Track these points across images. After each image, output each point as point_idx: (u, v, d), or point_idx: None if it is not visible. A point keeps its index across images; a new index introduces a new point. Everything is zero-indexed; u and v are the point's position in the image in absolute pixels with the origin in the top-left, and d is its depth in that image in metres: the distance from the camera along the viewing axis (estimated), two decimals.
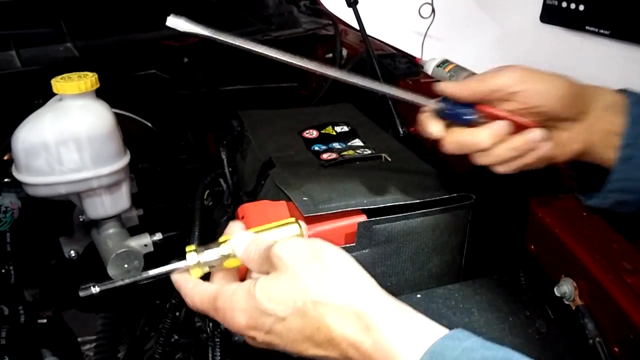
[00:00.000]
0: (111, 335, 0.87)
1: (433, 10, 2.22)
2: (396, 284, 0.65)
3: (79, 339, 0.93)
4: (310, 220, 0.61)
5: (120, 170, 0.72)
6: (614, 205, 0.55)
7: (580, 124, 0.51)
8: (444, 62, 0.96)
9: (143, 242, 0.78)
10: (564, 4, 1.75)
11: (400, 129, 0.87)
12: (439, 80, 0.93)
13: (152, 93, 1.00)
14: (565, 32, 1.75)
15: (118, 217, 0.77)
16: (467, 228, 0.67)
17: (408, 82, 0.93)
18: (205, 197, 0.89)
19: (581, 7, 1.71)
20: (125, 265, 0.75)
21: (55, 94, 0.69)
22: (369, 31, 0.99)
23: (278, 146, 0.79)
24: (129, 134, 0.91)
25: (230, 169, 0.87)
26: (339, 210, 0.61)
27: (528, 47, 1.85)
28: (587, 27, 1.69)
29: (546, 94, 0.50)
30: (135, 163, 0.89)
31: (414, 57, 1.07)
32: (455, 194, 0.65)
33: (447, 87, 0.54)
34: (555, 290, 0.60)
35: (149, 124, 0.94)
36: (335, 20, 1.04)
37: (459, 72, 0.94)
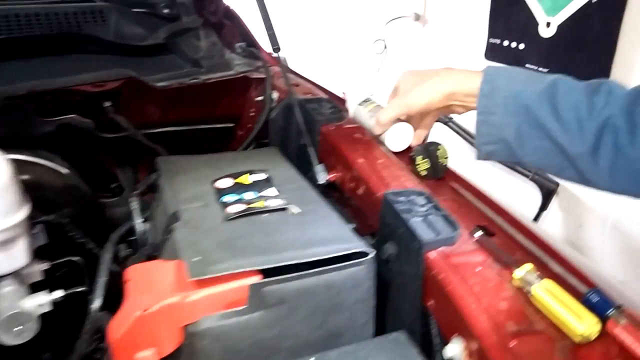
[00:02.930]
0: None
1: (385, 47, 2.27)
2: (292, 346, 0.63)
3: None
4: (199, 283, 0.59)
5: (15, 225, 0.69)
6: (489, 156, 0.70)
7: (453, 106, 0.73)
8: (365, 101, 0.90)
9: (38, 301, 0.73)
10: (506, 43, 1.80)
11: (320, 176, 0.86)
12: (358, 125, 0.94)
13: (75, 138, 0.97)
14: None
15: (15, 274, 0.73)
16: (368, 284, 0.66)
17: (330, 127, 0.93)
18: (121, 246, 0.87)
19: (521, 46, 1.76)
20: (16, 328, 0.70)
21: None
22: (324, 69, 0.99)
23: (188, 197, 0.77)
24: (41, 184, 0.88)
25: (143, 220, 0.84)
26: (231, 272, 0.59)
27: None
28: (527, 65, 1.74)
29: (425, 101, 0.73)
30: (47, 213, 0.86)
31: (343, 101, 1.08)
32: (352, 251, 0.64)
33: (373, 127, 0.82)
34: (445, 350, 0.59)
35: (66, 171, 0.91)
36: (267, 63, 1.04)
37: (379, 111, 0.92)
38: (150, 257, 0.77)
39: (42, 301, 0.72)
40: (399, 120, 0.81)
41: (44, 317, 0.73)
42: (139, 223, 0.83)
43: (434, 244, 0.65)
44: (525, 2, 1.71)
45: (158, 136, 1.11)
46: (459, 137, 1.88)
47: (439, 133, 2.00)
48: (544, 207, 1.73)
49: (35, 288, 0.75)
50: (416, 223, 0.68)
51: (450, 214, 0.69)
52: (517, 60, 1.75)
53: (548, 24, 1.66)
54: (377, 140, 0.90)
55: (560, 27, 1.62)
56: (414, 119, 0.82)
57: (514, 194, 1.84)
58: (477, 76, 0.69)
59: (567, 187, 1.69)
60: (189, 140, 1.17)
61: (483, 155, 0.71)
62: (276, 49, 0.94)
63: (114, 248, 0.82)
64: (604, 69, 1.50)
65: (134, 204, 0.83)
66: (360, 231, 0.82)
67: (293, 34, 3.19)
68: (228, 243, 0.64)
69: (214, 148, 1.20)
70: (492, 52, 1.84)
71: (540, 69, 1.69)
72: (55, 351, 0.90)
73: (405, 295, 0.69)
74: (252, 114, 1.14)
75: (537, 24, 1.68)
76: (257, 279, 0.60)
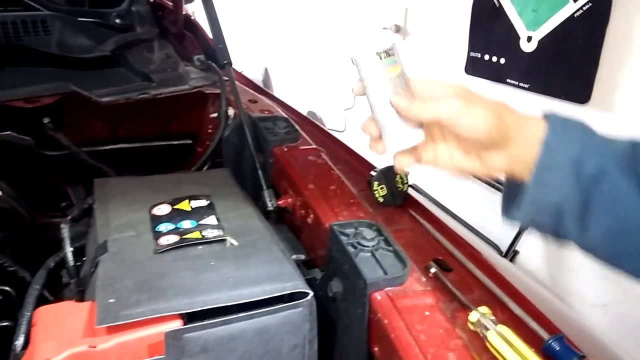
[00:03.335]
0: None
1: None
2: None
3: None
4: (111, 330, 0.53)
5: None
6: (529, 223, 0.56)
7: (504, 152, 0.54)
8: (388, 56, 0.56)
9: None
10: (486, 57, 1.76)
11: (269, 202, 0.80)
12: (313, 147, 0.88)
13: (11, 156, 0.91)
14: (488, 84, 1.75)
15: None
16: (307, 328, 0.60)
17: (284, 148, 0.87)
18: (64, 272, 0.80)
19: (502, 61, 1.72)
20: None
21: None
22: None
23: (121, 224, 0.71)
24: None
25: (76, 247, 0.78)
26: (146, 318, 0.53)
27: None
28: (508, 80, 1.70)
29: (477, 129, 0.53)
30: None
31: (304, 117, 1.03)
32: (288, 292, 0.58)
33: (399, 103, 0.55)
34: None
35: None
36: (222, 78, 0.98)
37: (401, 82, 0.58)
38: (81, 291, 0.71)
39: None
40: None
41: None
42: (69, 252, 0.77)
43: (381, 284, 0.60)
44: (506, 15, 1.67)
45: (110, 154, 1.05)
46: None
47: None
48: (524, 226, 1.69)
49: None
50: (362, 259, 0.62)
51: (401, 249, 0.64)
52: (498, 75, 1.71)
53: (529, 38, 1.62)
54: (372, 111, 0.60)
55: (541, 41, 1.59)
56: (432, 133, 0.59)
57: (493, 212, 1.79)
58: (539, 124, 0.53)
59: None
60: (145, 158, 1.11)
61: (525, 223, 0.56)
62: (226, 63, 0.89)
63: (44, 278, 0.75)
64: (586, 85, 1.47)
65: (65, 231, 0.77)
66: (313, 262, 0.77)
67: (275, 46, 3.15)
68: (150, 282, 0.58)
69: (173, 166, 1.14)
70: (473, 66, 1.80)
71: (522, 84, 1.65)
72: None
73: (351, 338, 0.63)
74: (211, 130, 1.08)
75: (518, 38, 1.65)
76: (177, 324, 0.54)
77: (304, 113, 1.13)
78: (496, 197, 1.82)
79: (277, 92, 3.13)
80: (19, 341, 0.64)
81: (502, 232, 1.74)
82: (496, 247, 1.75)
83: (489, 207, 1.81)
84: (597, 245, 0.52)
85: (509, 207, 0.56)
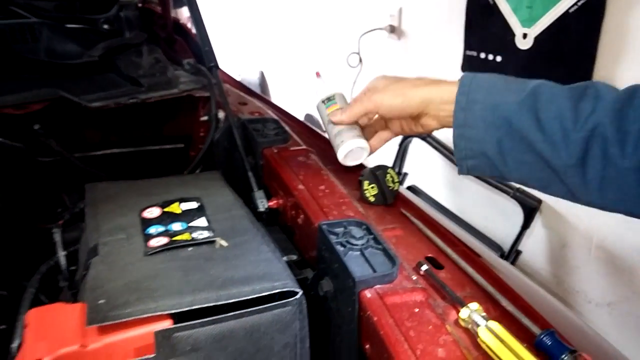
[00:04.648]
0: None
1: (360, 60, 2.26)
2: None
3: None
4: (101, 330, 0.55)
5: None
6: (470, 171, 0.68)
7: (431, 116, 0.71)
8: (329, 100, 0.85)
9: None
10: (483, 55, 1.79)
11: (259, 204, 0.82)
12: (303, 147, 0.91)
13: (4, 162, 0.94)
14: None
15: None
16: (298, 326, 0.62)
17: (274, 150, 0.89)
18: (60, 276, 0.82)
19: (498, 58, 1.75)
20: None
21: None
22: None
23: (111, 227, 0.74)
24: None
25: (69, 252, 0.80)
26: (135, 318, 0.55)
27: None
28: None
29: (394, 109, 0.72)
30: None
31: (294, 119, 1.05)
32: (278, 290, 0.60)
33: (333, 117, 0.78)
34: None
35: None
36: (211, 81, 1.01)
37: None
38: (74, 294, 0.73)
39: None
40: (366, 117, 0.78)
41: None
42: (62, 256, 0.79)
43: (370, 282, 0.61)
44: (500, 13, 1.70)
45: (103, 159, 1.07)
46: (438, 154, 1.85)
47: (418, 150, 1.98)
48: (526, 225, 1.71)
49: None
50: (351, 258, 0.64)
51: (390, 247, 0.66)
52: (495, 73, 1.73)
53: (525, 36, 1.65)
54: (331, 144, 0.82)
55: (537, 38, 1.61)
56: (377, 124, 0.80)
57: (495, 212, 1.81)
58: (453, 86, 0.67)
59: (551, 204, 1.66)
60: (138, 163, 1.13)
61: (464, 170, 0.68)
62: (213, 66, 0.91)
63: (39, 281, 0.77)
64: (583, 80, 1.49)
65: (57, 235, 0.79)
66: (304, 263, 0.79)
67: (270, 48, 3.19)
68: (139, 283, 0.60)
69: (166, 170, 1.16)
70: (469, 65, 1.83)
71: None
72: None
73: (342, 336, 0.65)
74: (202, 134, 1.11)
75: (513, 36, 1.67)
76: (166, 324, 0.56)
77: (302, 116, 1.16)
78: (498, 198, 1.85)
79: (273, 96, 3.17)
80: (15, 343, 0.66)
81: (504, 232, 1.76)
82: (499, 248, 1.76)
83: (491, 208, 1.83)
84: (518, 177, 0.65)
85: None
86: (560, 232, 1.67)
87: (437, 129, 0.72)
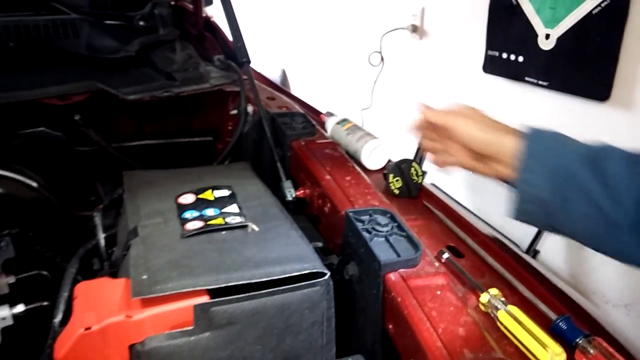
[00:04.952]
0: None
1: (382, 59, 2.29)
2: None
3: None
4: (144, 302, 0.59)
5: None
6: (524, 216, 0.68)
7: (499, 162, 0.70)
8: (343, 121, 0.98)
9: (0, 315, 0.75)
10: (504, 55, 1.81)
11: (287, 193, 0.87)
12: (333, 141, 0.95)
13: (45, 150, 1.00)
14: (506, 82, 1.80)
15: None
16: (325, 306, 0.66)
17: (301, 142, 0.94)
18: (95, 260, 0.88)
19: (520, 59, 1.77)
20: None
21: None
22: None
23: (149, 212, 0.79)
24: (9, 197, 0.90)
25: (108, 235, 0.86)
26: (176, 292, 0.60)
27: (471, 95, 1.90)
28: (527, 78, 1.74)
29: (473, 137, 0.70)
30: (14, 226, 0.88)
31: (320, 114, 1.09)
32: (307, 271, 0.64)
33: (419, 107, 0.75)
34: None
35: (35, 185, 0.93)
36: (241, 76, 1.05)
37: (355, 130, 0.95)
38: (112, 273, 0.79)
39: (4, 315, 0.73)
40: (440, 131, 0.76)
41: (8, 330, 0.74)
42: (102, 238, 0.84)
43: (394, 266, 0.65)
44: (523, 13, 1.72)
45: (135, 150, 1.13)
46: None
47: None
48: None
49: (1, 301, 0.76)
50: (376, 243, 0.68)
51: (413, 234, 0.70)
52: (516, 73, 1.75)
53: (547, 36, 1.66)
54: (352, 157, 0.92)
55: (559, 39, 1.63)
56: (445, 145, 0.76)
57: None
58: (517, 135, 0.67)
59: None
60: (169, 155, 1.19)
61: (518, 215, 0.68)
62: (245, 61, 0.96)
63: (79, 262, 0.83)
64: (606, 82, 1.50)
65: (97, 219, 0.85)
66: (330, 250, 0.83)
67: (292, 46, 3.24)
68: (178, 262, 0.65)
69: (193, 162, 1.22)
70: (491, 65, 1.85)
71: (540, 81, 1.69)
72: None
73: (367, 317, 0.69)
74: (231, 127, 1.16)
75: (536, 36, 1.69)
76: (204, 299, 0.61)
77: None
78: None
79: (294, 93, 3.21)
80: (58, 318, 0.72)
81: (522, 232, 1.78)
82: (516, 247, 1.78)
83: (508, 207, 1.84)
84: (572, 230, 0.64)
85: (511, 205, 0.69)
86: None
87: (502, 173, 0.70)
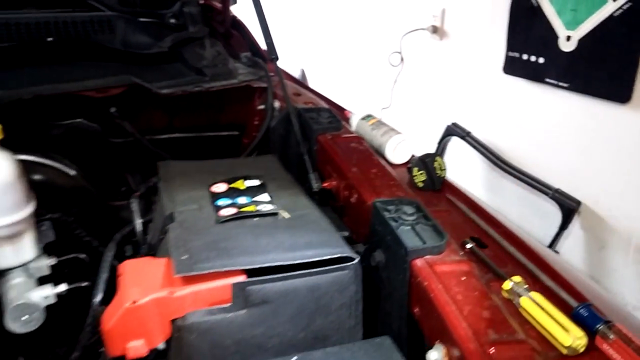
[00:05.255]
0: None
1: (402, 60, 2.32)
2: (277, 345, 0.67)
3: None
4: (186, 280, 0.64)
5: (21, 220, 0.76)
6: None
7: None
8: (368, 117, 1.02)
9: (44, 294, 0.80)
10: (525, 57, 1.83)
11: (314, 184, 0.90)
12: (355, 135, 0.99)
13: (82, 141, 1.05)
14: (526, 84, 1.82)
15: (24, 267, 0.80)
16: (353, 289, 0.70)
17: (327, 136, 0.98)
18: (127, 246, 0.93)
19: (541, 60, 1.79)
20: (24, 317, 0.77)
21: None
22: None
23: (184, 199, 0.83)
24: (49, 184, 0.95)
25: (143, 221, 0.90)
26: (215, 271, 0.64)
27: (491, 96, 1.92)
28: (547, 80, 1.76)
29: None
30: (54, 212, 0.93)
31: (343, 110, 1.13)
32: (337, 255, 0.68)
33: None
34: (427, 355, 0.62)
35: (73, 173, 0.98)
36: (268, 73, 1.10)
37: (380, 126, 0.99)
38: (148, 256, 0.83)
39: (48, 293, 0.78)
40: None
41: (51, 309, 0.79)
42: (138, 223, 0.89)
43: (420, 252, 0.69)
44: (544, 15, 1.74)
45: (165, 142, 1.18)
46: (476, 153, 1.90)
47: (457, 148, 2.03)
48: (564, 226, 1.73)
49: (43, 282, 0.81)
50: (403, 231, 0.72)
51: (438, 223, 0.73)
52: (537, 75, 1.77)
53: (568, 38, 1.68)
54: (377, 151, 0.95)
55: (581, 41, 1.64)
56: None
57: (533, 212, 1.84)
58: None
59: (589, 206, 1.69)
60: (196, 148, 1.23)
61: None
62: (274, 58, 1.00)
63: (116, 247, 0.88)
64: (627, 84, 1.52)
65: (134, 206, 0.90)
66: (355, 238, 0.87)
67: (311, 46, 3.29)
68: (216, 244, 0.69)
69: (221, 156, 1.26)
70: (511, 66, 1.87)
71: (561, 83, 1.71)
72: (62, 342, 0.95)
73: (393, 301, 0.73)
74: (257, 122, 1.20)
75: (557, 38, 1.71)
76: (241, 278, 0.65)
77: None
78: (533, 197, 1.88)
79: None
80: (98, 298, 0.76)
81: (541, 232, 1.79)
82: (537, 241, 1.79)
83: (528, 208, 1.86)
84: None
85: None
86: (598, 234, 1.69)
87: None
